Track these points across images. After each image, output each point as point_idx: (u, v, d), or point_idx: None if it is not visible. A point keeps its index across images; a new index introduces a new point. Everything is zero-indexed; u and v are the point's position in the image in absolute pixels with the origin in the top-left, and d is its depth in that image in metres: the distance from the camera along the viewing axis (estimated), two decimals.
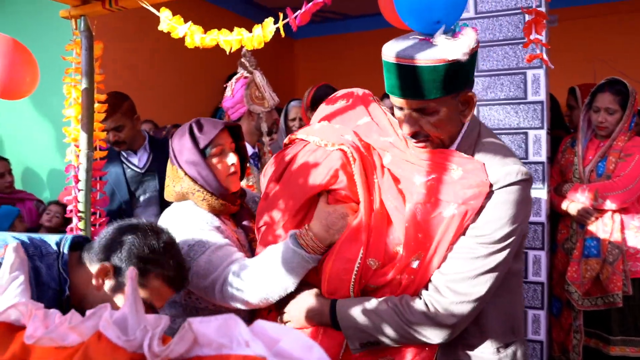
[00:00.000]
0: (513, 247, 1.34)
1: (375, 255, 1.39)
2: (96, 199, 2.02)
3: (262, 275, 1.45)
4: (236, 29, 1.66)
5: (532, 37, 1.27)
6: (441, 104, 1.30)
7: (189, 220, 1.63)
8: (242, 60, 2.59)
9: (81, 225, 1.96)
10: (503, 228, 1.30)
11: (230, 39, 1.65)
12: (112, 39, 4.52)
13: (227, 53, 1.67)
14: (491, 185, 1.31)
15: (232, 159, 1.70)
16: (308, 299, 1.47)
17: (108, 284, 1.26)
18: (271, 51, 7.62)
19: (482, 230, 1.32)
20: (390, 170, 1.43)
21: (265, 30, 1.62)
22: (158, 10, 1.66)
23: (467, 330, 1.39)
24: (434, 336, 1.35)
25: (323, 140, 1.46)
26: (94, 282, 1.24)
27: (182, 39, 1.65)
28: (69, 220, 1.98)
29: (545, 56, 1.30)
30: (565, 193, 2.84)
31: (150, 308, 1.31)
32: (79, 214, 1.96)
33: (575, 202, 2.79)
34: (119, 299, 1.26)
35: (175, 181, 1.68)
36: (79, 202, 1.96)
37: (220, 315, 0.65)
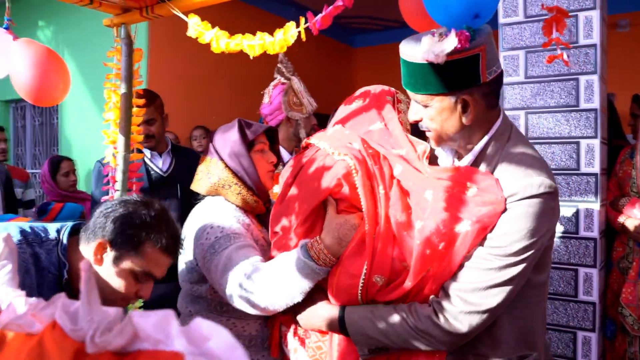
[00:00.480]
0: (531, 261, 1.30)
1: (380, 272, 1.37)
2: None
3: (272, 281, 1.45)
4: (259, 33, 1.68)
5: (553, 36, 1.20)
6: (432, 100, 1.35)
7: (221, 213, 1.67)
8: (279, 66, 2.60)
9: None
10: (520, 241, 1.27)
11: (253, 43, 1.67)
12: (167, 47, 4.73)
13: (251, 57, 1.69)
14: (510, 197, 1.27)
15: (272, 157, 1.79)
16: (320, 305, 1.48)
17: (107, 258, 1.30)
18: (331, 59, 7.69)
19: (498, 242, 1.29)
20: (400, 182, 1.40)
21: (286, 34, 1.63)
22: (199, 17, 1.71)
23: (479, 338, 1.36)
24: (441, 344, 1.33)
25: (331, 148, 1.46)
26: (92, 259, 1.28)
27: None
28: None
29: (565, 57, 1.22)
30: (621, 208, 2.66)
31: (150, 278, 1.36)
32: None
33: (632, 218, 2.60)
34: (121, 271, 1.30)
35: (212, 173, 1.73)
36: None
37: (159, 311, 0.65)
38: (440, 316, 1.32)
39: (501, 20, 2.63)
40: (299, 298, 1.43)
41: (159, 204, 1.42)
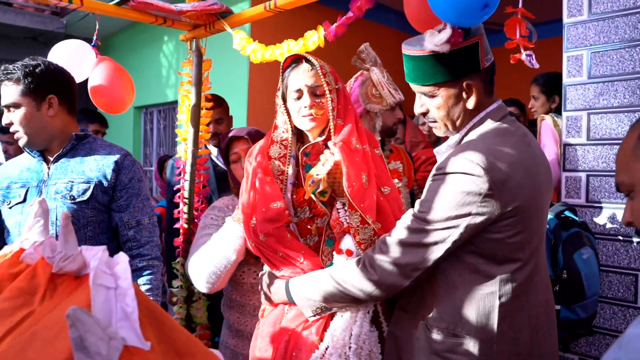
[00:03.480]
0: (447, 236, 1.37)
1: None
2: (200, 189, 2.42)
3: (201, 257, 1.80)
4: (285, 41, 1.92)
5: (517, 37, 1.27)
6: (439, 89, 1.49)
7: (223, 207, 2.02)
8: (361, 55, 2.47)
9: (185, 209, 2.37)
10: (434, 211, 1.38)
11: (282, 51, 1.91)
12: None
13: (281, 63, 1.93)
14: (439, 169, 1.43)
15: None
16: (272, 283, 1.71)
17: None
18: None
19: (419, 206, 1.44)
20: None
21: (306, 42, 1.84)
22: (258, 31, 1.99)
23: (413, 296, 1.51)
24: (362, 294, 1.48)
25: None
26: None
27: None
28: (177, 205, 2.42)
29: (524, 57, 1.28)
30: None
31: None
32: (184, 200, 2.38)
33: None
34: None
35: None
36: (184, 190, 2.39)
37: (96, 247, 0.90)
38: (361, 262, 1.48)
39: (565, 20, 2.60)
40: (233, 257, 1.75)
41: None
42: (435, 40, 1.38)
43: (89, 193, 1.93)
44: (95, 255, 0.88)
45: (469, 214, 1.34)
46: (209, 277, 1.76)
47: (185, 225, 2.35)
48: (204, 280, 1.77)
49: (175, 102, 6.18)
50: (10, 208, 1.93)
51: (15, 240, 1.13)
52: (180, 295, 2.27)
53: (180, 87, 2.41)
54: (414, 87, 1.55)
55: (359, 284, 1.47)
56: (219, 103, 2.79)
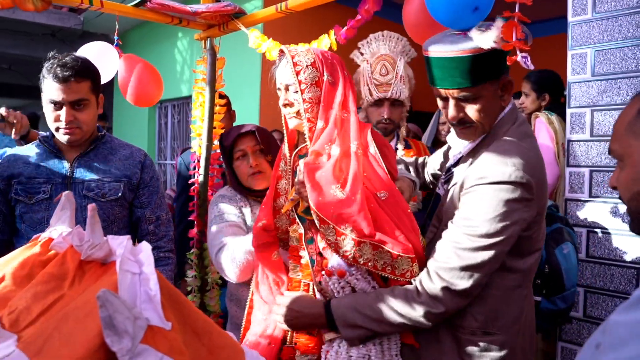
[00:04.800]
0: (503, 247, 1.37)
1: None
2: (213, 182, 2.52)
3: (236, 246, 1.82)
4: (300, 43, 1.99)
5: (513, 40, 1.33)
6: (483, 90, 1.42)
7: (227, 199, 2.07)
8: (358, 49, 2.47)
9: (200, 201, 2.47)
10: (490, 224, 1.34)
11: None
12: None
13: None
14: (480, 179, 1.38)
15: (253, 161, 2.01)
16: (303, 303, 1.53)
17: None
18: None
19: (469, 222, 1.38)
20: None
21: (320, 44, 1.92)
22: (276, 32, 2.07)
23: None
24: (423, 322, 1.41)
25: None
26: None
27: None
28: (192, 197, 2.52)
29: (520, 59, 1.34)
30: None
31: (56, 103, 1.90)
32: (199, 193, 2.48)
33: None
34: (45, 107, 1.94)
35: None
36: (199, 182, 2.48)
37: (122, 237, 1.00)
38: (422, 295, 1.40)
39: (570, 19, 2.65)
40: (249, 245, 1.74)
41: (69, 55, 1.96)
42: (490, 36, 1.32)
43: (120, 192, 2.02)
44: (120, 243, 0.98)
45: (517, 222, 1.36)
46: (241, 265, 1.79)
47: (199, 218, 2.44)
48: (237, 268, 1.80)
49: (189, 97, 6.29)
50: (34, 204, 1.95)
51: (45, 231, 1.23)
52: (194, 284, 2.38)
53: (195, 84, 2.50)
54: (451, 91, 1.44)
55: (424, 318, 1.41)
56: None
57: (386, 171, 1.52)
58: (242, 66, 5.02)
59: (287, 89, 1.58)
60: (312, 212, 1.43)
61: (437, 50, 1.41)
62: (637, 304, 0.74)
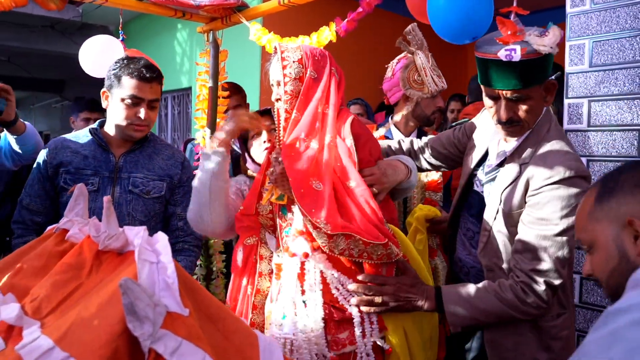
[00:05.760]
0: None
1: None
2: None
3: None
4: (300, 36, 2.03)
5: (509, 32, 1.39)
6: (532, 92, 1.54)
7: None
8: (407, 37, 2.33)
9: None
10: (567, 219, 1.49)
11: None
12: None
13: None
14: (548, 179, 1.52)
15: (266, 137, 1.96)
16: (417, 286, 1.61)
17: (109, 100, 2.06)
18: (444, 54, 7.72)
19: (548, 222, 1.51)
20: None
21: (320, 37, 1.96)
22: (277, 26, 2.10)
23: None
24: (529, 317, 1.58)
25: None
26: (104, 104, 2.08)
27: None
28: None
29: (502, 52, 1.40)
30: None
31: (139, 100, 2.01)
32: None
33: None
34: (117, 103, 2.03)
35: None
36: None
37: (137, 227, 1.04)
38: (530, 295, 1.53)
39: (568, 10, 2.68)
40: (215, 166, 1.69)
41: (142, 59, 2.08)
42: (547, 42, 1.44)
43: (163, 191, 2.12)
44: (137, 234, 1.02)
45: None
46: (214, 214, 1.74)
47: None
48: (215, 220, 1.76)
49: (189, 89, 6.30)
50: None
51: (60, 221, 1.27)
52: (200, 273, 2.43)
53: (198, 77, 2.53)
54: (507, 92, 1.55)
55: (525, 313, 1.56)
56: (237, 90, 2.91)
57: (355, 162, 1.57)
58: (242, 59, 5.04)
59: (278, 84, 1.64)
60: (296, 202, 1.50)
61: (494, 53, 1.49)
62: (604, 322, 0.81)
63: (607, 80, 2.57)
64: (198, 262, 2.43)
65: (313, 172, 1.51)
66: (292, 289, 1.57)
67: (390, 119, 2.58)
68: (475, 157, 1.84)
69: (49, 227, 1.29)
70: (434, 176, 2.52)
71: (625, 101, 2.50)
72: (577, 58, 2.66)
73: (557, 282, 1.52)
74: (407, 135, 2.48)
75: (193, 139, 4.43)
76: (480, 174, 1.82)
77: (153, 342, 0.83)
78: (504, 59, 1.43)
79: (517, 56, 1.41)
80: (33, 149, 2.25)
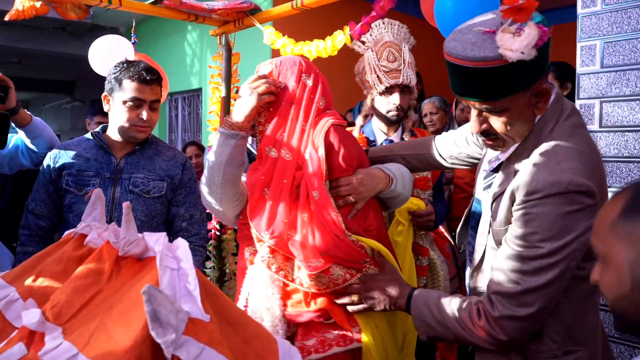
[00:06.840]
0: (570, 261, 1.22)
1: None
2: None
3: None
4: (315, 40, 2.04)
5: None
6: (511, 102, 1.25)
7: None
8: (358, 39, 2.28)
9: None
10: (553, 241, 1.20)
11: (310, 48, 2.03)
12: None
13: (310, 60, 2.05)
14: (533, 194, 1.23)
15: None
16: (392, 284, 1.51)
17: (110, 103, 2.11)
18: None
19: (528, 241, 1.23)
20: None
21: (334, 41, 1.97)
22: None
23: None
24: (486, 345, 1.32)
25: None
26: (106, 108, 2.12)
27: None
28: None
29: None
30: None
31: (140, 102, 2.05)
32: None
33: None
34: (118, 105, 2.07)
35: None
36: None
37: (157, 233, 1.05)
38: (482, 319, 1.29)
39: (580, 11, 2.68)
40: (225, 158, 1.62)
41: (142, 62, 2.13)
42: (517, 45, 1.14)
43: (163, 190, 2.16)
44: (157, 240, 1.04)
45: (583, 231, 1.20)
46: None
47: None
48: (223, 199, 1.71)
49: (200, 90, 6.33)
50: (83, 195, 2.06)
51: (78, 226, 1.29)
52: (213, 275, 2.45)
53: (210, 79, 2.55)
54: (473, 102, 1.29)
55: (484, 341, 1.31)
56: None
57: (324, 172, 1.56)
58: (254, 62, 5.04)
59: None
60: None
61: (458, 58, 1.22)
62: None
63: (619, 81, 2.56)
64: (211, 265, 2.45)
65: (267, 182, 1.58)
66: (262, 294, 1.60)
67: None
68: (485, 157, 1.62)
69: (67, 232, 1.31)
70: (423, 174, 2.46)
71: (637, 102, 2.49)
72: (588, 59, 2.66)
73: (522, 312, 1.23)
74: (390, 134, 2.44)
75: (194, 142, 4.43)
76: (480, 178, 1.59)
77: (176, 348, 0.85)
78: (456, 63, 1.18)
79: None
80: (46, 145, 2.27)
